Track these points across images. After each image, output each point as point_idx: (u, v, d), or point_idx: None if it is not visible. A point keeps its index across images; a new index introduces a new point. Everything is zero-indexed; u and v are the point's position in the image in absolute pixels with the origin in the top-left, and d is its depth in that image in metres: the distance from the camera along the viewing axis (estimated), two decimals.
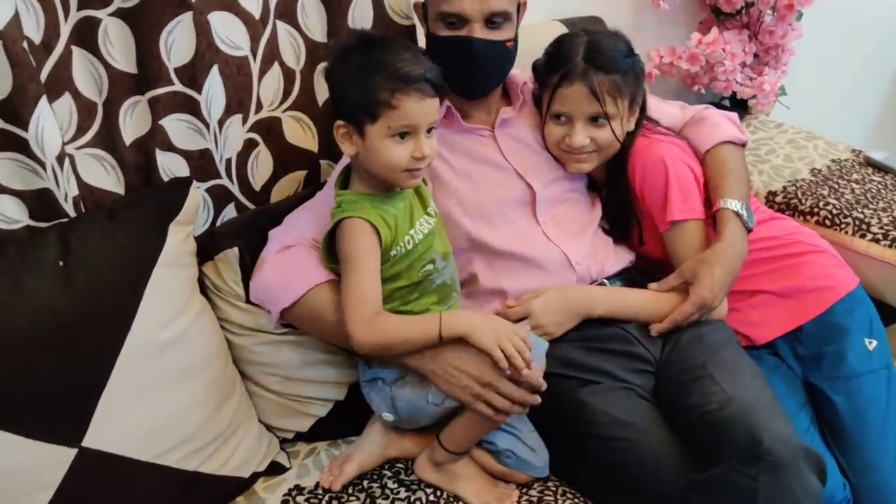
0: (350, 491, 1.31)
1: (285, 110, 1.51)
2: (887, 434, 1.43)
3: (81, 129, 1.30)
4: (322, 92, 1.53)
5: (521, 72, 1.51)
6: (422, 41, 1.50)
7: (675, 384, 1.32)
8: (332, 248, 1.25)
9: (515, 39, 1.42)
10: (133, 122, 1.34)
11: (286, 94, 1.50)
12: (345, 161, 1.37)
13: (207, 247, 1.37)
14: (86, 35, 1.26)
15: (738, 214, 1.40)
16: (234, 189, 1.49)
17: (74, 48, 1.26)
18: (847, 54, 2.76)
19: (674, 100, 1.67)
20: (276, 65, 1.47)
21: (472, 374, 1.19)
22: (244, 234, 1.38)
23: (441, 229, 1.33)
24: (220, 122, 1.42)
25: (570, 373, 1.34)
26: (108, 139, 1.33)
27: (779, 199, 1.88)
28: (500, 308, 1.40)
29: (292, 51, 1.49)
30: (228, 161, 1.46)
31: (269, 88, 1.47)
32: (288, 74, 1.49)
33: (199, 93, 1.36)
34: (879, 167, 1.96)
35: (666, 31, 2.20)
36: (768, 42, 2.16)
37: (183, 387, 1.26)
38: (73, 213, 1.28)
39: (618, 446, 1.27)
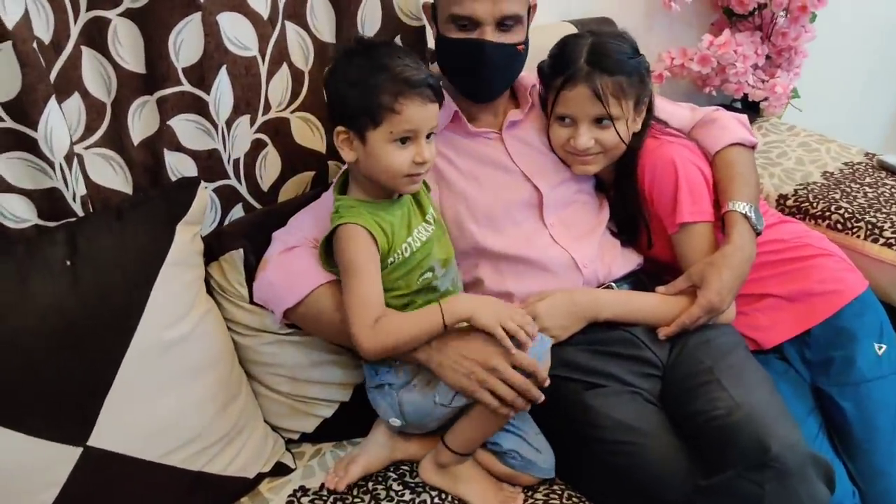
0: (355, 493, 1.31)
1: (293, 111, 1.51)
2: None
3: (90, 129, 1.31)
4: None
5: (529, 73, 1.50)
6: (431, 42, 1.50)
7: (682, 388, 1.31)
8: (330, 253, 1.25)
9: (526, 42, 1.41)
10: (141, 122, 1.35)
11: (294, 94, 1.50)
12: None
13: (213, 247, 1.37)
14: (95, 35, 1.27)
15: (746, 217, 1.39)
16: (242, 189, 1.50)
17: (84, 48, 1.27)
18: (860, 57, 2.74)
19: (684, 102, 1.66)
20: (284, 65, 1.47)
21: (478, 360, 1.19)
22: (250, 234, 1.38)
23: (441, 236, 1.32)
24: (229, 123, 1.42)
25: (576, 376, 1.34)
26: (117, 139, 1.34)
27: (790, 202, 1.86)
28: None
29: (301, 51, 1.49)
30: (236, 161, 1.47)
31: (277, 89, 1.47)
32: (296, 75, 1.49)
33: (208, 93, 1.36)
34: (893, 171, 1.94)
35: (677, 33, 2.19)
36: (781, 44, 2.14)
37: (189, 387, 1.27)
38: (81, 213, 1.28)
39: (623, 450, 1.26)
